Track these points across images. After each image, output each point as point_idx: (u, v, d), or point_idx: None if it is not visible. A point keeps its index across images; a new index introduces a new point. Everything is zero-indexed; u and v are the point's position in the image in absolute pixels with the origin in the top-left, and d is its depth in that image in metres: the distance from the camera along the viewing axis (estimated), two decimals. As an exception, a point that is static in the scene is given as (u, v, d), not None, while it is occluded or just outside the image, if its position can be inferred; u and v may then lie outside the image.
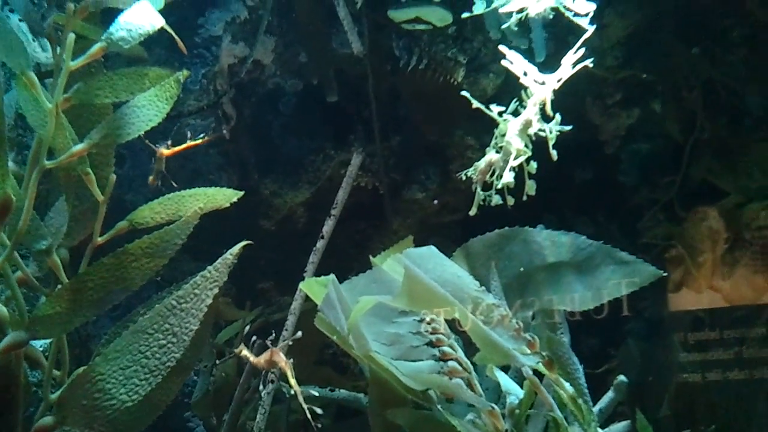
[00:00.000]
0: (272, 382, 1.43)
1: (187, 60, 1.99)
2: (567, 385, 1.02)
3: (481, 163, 1.20)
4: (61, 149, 1.10)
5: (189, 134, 2.06)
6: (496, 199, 1.16)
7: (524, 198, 1.19)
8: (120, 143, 1.14)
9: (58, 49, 1.14)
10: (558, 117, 1.23)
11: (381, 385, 0.98)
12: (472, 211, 1.22)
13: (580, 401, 1.01)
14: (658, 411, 1.50)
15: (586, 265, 1.20)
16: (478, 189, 1.20)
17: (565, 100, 1.48)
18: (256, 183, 2.16)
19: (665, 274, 1.20)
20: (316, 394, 1.54)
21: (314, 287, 1.04)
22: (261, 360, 1.30)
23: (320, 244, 1.55)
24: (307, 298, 1.51)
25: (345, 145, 2.09)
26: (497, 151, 1.22)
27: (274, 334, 1.47)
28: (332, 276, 1.02)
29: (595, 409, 1.34)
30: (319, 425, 1.58)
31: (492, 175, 1.18)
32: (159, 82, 1.15)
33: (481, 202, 1.17)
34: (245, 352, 1.33)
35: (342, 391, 1.55)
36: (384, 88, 2.07)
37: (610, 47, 1.99)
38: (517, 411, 1.04)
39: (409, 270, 0.94)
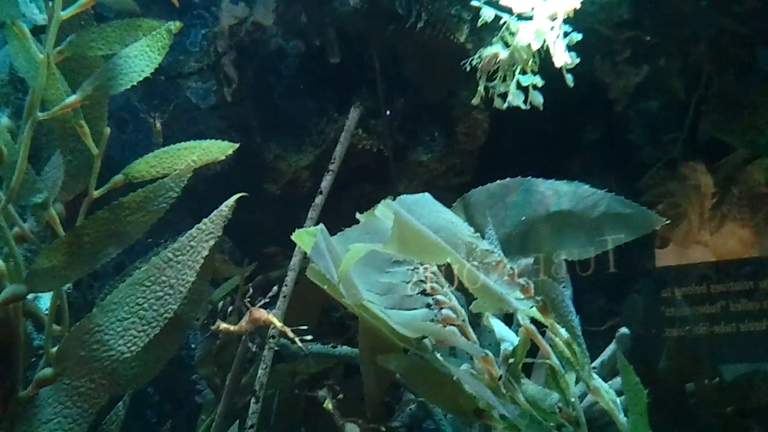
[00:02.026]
0: (273, 337, 1.43)
1: (187, 21, 1.98)
2: (562, 330, 1.02)
3: (488, 55, 1.19)
4: (54, 101, 1.10)
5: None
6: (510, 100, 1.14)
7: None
8: (113, 93, 1.14)
9: (51, 3, 1.13)
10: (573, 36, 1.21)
11: (372, 333, 0.98)
12: (475, 101, 1.21)
13: (574, 346, 1.00)
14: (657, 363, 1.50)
15: (588, 213, 1.19)
16: (482, 79, 1.19)
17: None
18: (260, 146, 2.15)
19: (668, 222, 1.18)
20: (318, 350, 1.55)
21: (305, 237, 1.03)
22: (243, 324, 1.30)
23: (319, 200, 1.54)
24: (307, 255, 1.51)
25: (349, 107, 2.08)
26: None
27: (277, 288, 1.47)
28: (321, 225, 1.02)
29: (597, 362, 1.34)
30: (328, 382, 1.58)
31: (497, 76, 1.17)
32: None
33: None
34: (223, 326, 1.34)
35: (344, 347, 1.55)
36: (387, 49, 2.05)
37: (617, 1, 1.95)
38: (512, 360, 1.04)
39: (399, 215, 0.93)
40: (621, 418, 0.96)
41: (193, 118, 2.14)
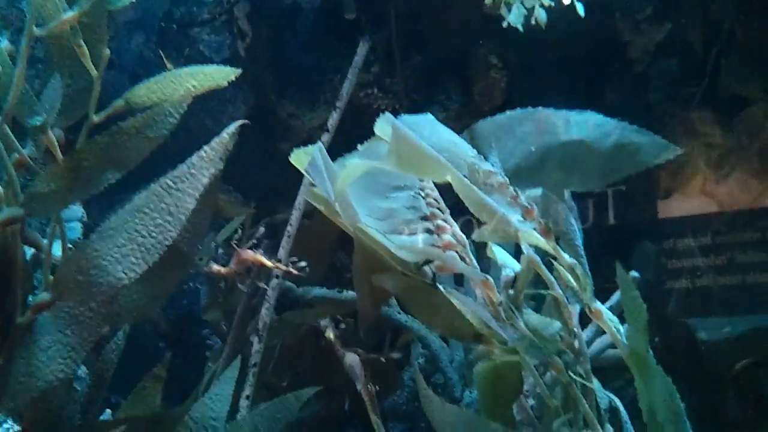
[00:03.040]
0: (277, 277, 1.41)
1: (201, -29, 1.97)
2: (565, 255, 0.98)
3: None
4: (53, 19, 1.09)
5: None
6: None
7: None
8: (111, 8, 1.12)
9: None
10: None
11: (368, 254, 0.95)
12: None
13: (577, 270, 0.96)
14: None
15: (600, 143, 1.15)
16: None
17: (593, 16, 1.42)
18: (274, 104, 2.13)
19: (681, 152, 1.14)
20: (323, 294, 1.53)
21: (302, 157, 1.01)
22: (231, 267, 1.28)
23: (325, 138, 1.52)
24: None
25: (363, 65, 2.05)
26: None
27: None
28: (320, 143, 0.99)
29: (606, 305, 1.30)
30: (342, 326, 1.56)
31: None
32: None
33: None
34: (215, 268, 1.32)
35: (350, 292, 1.53)
36: (403, 4, 2.02)
37: (637, -48, 1.91)
38: (512, 291, 1.00)
39: (398, 129, 0.90)
40: (623, 341, 0.93)
41: (204, 72, 2.12)
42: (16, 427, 1.22)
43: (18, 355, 1.15)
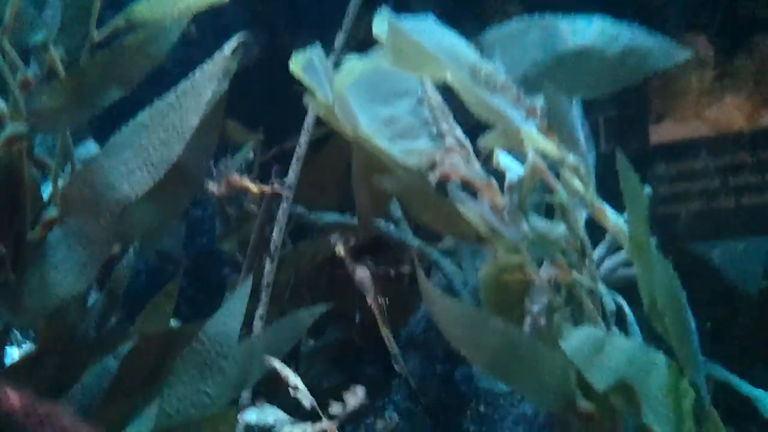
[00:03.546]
0: (287, 199, 1.41)
1: None
2: (569, 155, 0.96)
3: None
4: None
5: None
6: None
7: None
8: None
9: None
10: None
11: (368, 158, 0.94)
12: None
13: (581, 168, 0.94)
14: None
15: (609, 48, 1.11)
16: None
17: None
18: (287, 44, 2.11)
19: (692, 55, 1.10)
20: (335, 220, 1.53)
21: (300, 59, 0.99)
22: (222, 188, 1.28)
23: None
24: (320, 122, 1.47)
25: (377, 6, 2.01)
26: None
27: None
28: (318, 43, 0.97)
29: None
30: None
31: None
32: None
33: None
34: (211, 186, 1.32)
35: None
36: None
37: None
38: (516, 196, 0.99)
39: (394, 24, 0.88)
40: (625, 233, 0.91)
41: (216, 10, 2.10)
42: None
43: (30, 272, 1.17)
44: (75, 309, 1.24)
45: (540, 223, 1.01)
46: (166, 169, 1.14)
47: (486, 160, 1.13)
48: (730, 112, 1.57)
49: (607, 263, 1.34)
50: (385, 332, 1.37)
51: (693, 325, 0.87)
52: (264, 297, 1.41)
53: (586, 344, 0.90)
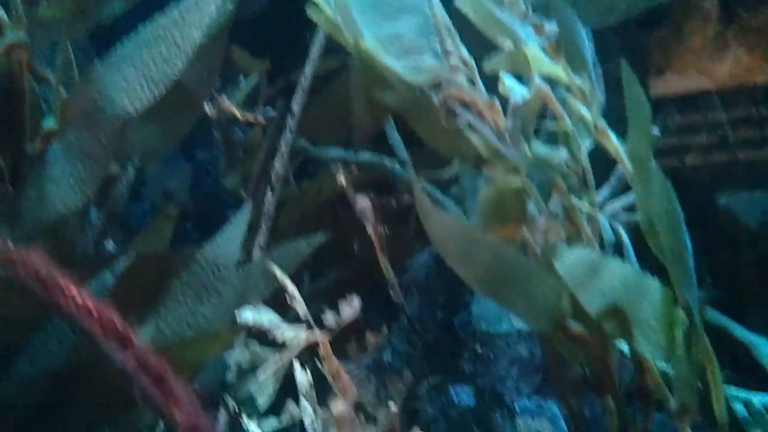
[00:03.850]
0: (291, 132, 1.40)
1: None
2: (576, 77, 0.94)
3: None
4: None
5: None
6: None
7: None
8: None
9: None
10: None
11: (368, 69, 0.92)
12: None
13: (587, 92, 0.93)
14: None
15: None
16: None
17: None
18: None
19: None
20: (337, 155, 1.52)
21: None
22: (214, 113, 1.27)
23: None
24: (327, 53, 1.45)
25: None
26: None
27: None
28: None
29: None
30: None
31: None
32: None
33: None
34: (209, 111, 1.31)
35: (366, 153, 1.51)
36: None
37: None
38: (519, 118, 0.97)
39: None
40: (628, 163, 0.90)
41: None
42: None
43: (28, 185, 1.17)
44: (74, 225, 1.24)
45: (542, 147, 1.00)
46: (166, 86, 1.13)
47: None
48: (733, 67, 1.54)
49: (611, 206, 1.33)
50: (384, 262, 1.37)
51: (689, 246, 0.85)
52: (264, 227, 1.41)
53: (581, 265, 0.89)
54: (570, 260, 0.89)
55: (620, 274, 0.91)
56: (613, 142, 0.93)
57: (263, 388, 0.92)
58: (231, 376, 1.42)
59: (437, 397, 1.59)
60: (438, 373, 1.69)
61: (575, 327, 0.92)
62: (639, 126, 0.79)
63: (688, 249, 0.85)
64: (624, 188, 1.24)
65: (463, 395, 1.57)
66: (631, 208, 1.23)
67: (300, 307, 0.97)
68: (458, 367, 1.62)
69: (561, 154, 0.98)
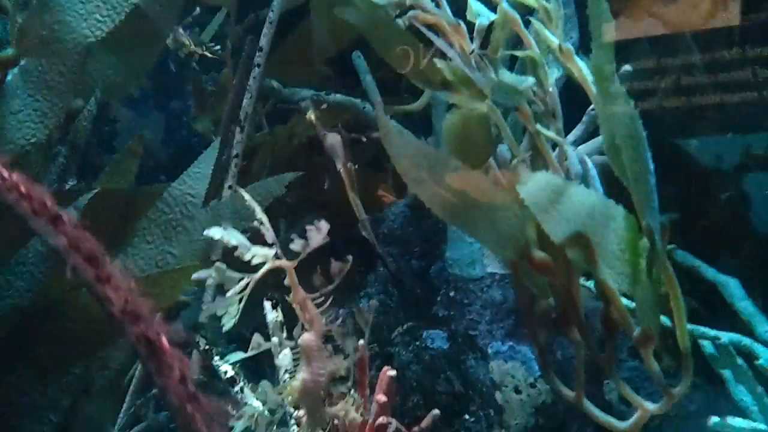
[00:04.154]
0: (258, 66, 1.37)
1: None
2: (544, 1, 0.92)
3: None
4: None
5: None
6: None
7: None
8: None
9: None
10: None
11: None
12: None
13: (555, 16, 0.90)
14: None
15: None
16: None
17: None
18: None
19: None
20: (308, 95, 1.49)
21: None
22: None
23: None
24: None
25: None
26: None
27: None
28: None
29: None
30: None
31: None
32: None
33: None
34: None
35: (338, 95, 1.48)
36: None
37: None
38: (491, 46, 0.95)
39: None
40: (593, 87, 0.88)
41: None
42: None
43: (-12, 117, 1.14)
44: (37, 159, 1.21)
45: (510, 75, 0.98)
46: (126, 12, 1.10)
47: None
48: (686, 11, 1.52)
49: (583, 148, 1.31)
50: (354, 199, 1.35)
51: (652, 169, 0.84)
52: (233, 168, 1.38)
53: (545, 191, 0.88)
54: (533, 185, 0.87)
55: (585, 201, 0.90)
56: (578, 65, 0.91)
57: (229, 309, 0.90)
58: (203, 317, 1.41)
59: (411, 341, 1.58)
60: (413, 319, 1.69)
61: (540, 256, 0.91)
62: (602, 42, 0.77)
63: (651, 172, 0.84)
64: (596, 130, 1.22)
65: (437, 339, 1.57)
66: (602, 152, 1.22)
67: (269, 234, 0.95)
68: (432, 312, 1.62)
69: (528, 81, 0.96)
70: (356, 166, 1.36)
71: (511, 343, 1.52)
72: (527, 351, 1.51)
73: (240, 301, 0.89)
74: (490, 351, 1.51)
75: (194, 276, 0.88)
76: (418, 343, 1.57)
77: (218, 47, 1.50)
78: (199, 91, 1.71)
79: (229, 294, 0.88)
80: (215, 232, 0.91)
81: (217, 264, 0.89)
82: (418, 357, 1.55)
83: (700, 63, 1.38)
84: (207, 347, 1.28)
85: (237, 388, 1.21)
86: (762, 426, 1.08)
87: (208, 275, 0.89)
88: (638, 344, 0.92)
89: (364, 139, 1.43)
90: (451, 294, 1.59)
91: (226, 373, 1.24)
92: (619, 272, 0.93)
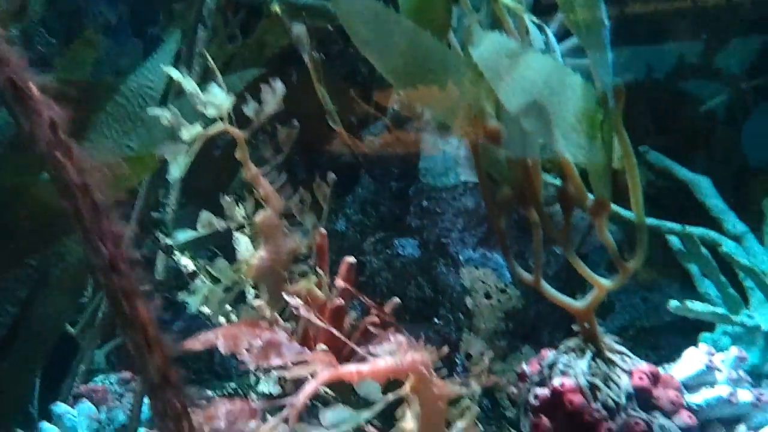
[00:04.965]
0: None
1: None
2: None
3: None
4: None
5: None
6: None
7: None
8: None
9: None
10: None
11: None
12: None
13: None
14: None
15: None
16: None
17: None
18: None
19: None
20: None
21: None
22: None
23: None
24: None
25: None
26: None
27: None
28: None
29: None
30: None
31: None
32: None
33: None
34: None
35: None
36: None
37: None
38: None
39: None
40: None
41: None
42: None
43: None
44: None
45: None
46: None
47: None
48: None
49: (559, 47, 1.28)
50: (320, 90, 1.32)
51: (606, 24, 0.81)
52: (196, 66, 1.35)
53: (499, 55, 0.85)
54: (487, 47, 0.85)
55: (541, 68, 0.87)
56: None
57: (177, 159, 0.88)
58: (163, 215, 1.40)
59: (382, 249, 1.57)
60: (385, 230, 1.68)
61: (494, 124, 0.89)
62: None
63: (605, 26, 0.81)
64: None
65: (408, 247, 1.56)
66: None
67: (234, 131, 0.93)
68: (405, 222, 1.60)
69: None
70: (321, 54, 1.32)
71: (483, 251, 1.51)
72: (499, 258, 1.50)
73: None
74: (461, 258, 1.50)
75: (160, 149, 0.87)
76: (389, 251, 1.56)
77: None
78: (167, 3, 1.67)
79: (179, 143, 0.87)
80: (173, 73, 0.89)
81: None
82: (389, 264, 1.54)
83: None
84: (167, 243, 1.27)
85: (197, 282, 1.19)
86: (721, 310, 1.07)
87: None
88: (592, 214, 0.90)
89: (331, 28, 1.39)
90: (424, 204, 1.57)
91: (186, 267, 1.23)
92: (576, 144, 0.90)
